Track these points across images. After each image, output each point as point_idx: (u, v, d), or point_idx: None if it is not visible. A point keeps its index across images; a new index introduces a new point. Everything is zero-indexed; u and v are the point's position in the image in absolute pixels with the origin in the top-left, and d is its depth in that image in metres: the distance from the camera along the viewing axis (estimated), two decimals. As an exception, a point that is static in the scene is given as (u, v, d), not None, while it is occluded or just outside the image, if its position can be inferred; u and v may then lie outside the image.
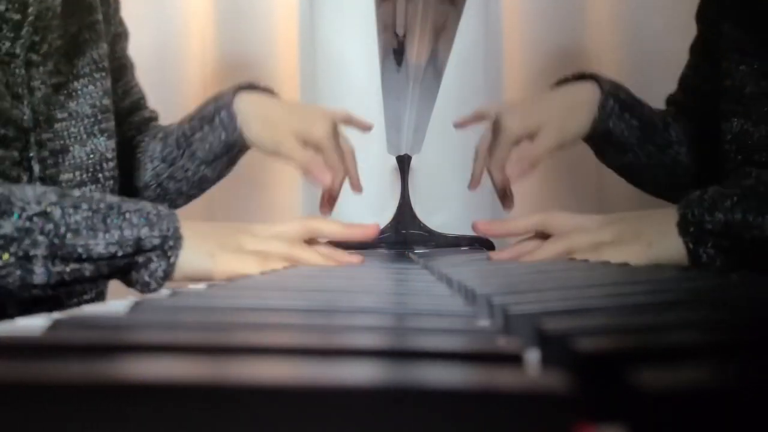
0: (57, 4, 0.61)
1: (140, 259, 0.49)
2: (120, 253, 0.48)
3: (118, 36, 0.74)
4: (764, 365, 0.15)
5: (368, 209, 1.26)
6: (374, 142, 1.22)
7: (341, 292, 0.36)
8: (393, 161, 1.14)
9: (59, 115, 0.61)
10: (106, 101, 0.66)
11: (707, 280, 0.31)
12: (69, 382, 0.12)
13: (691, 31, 0.78)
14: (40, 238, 0.45)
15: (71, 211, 0.47)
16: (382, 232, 1.14)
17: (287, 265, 0.54)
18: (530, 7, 1.14)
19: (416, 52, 0.63)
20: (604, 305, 0.24)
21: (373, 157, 1.26)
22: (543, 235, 0.60)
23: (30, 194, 0.46)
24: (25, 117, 0.56)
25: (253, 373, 0.13)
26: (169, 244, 0.49)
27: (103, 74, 0.66)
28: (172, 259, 0.49)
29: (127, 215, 0.49)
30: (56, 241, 0.46)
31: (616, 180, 0.84)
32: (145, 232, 0.48)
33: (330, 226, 0.62)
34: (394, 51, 0.65)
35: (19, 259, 0.45)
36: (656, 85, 0.88)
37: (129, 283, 0.52)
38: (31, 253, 0.45)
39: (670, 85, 0.83)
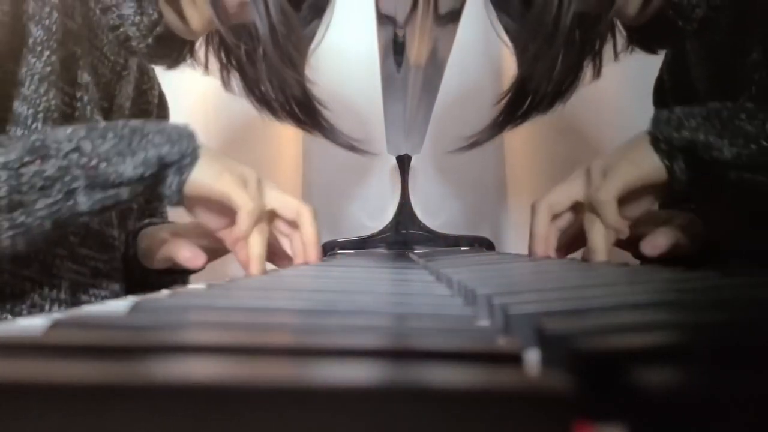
0: (130, 91, 0.72)
1: (164, 174, 0.54)
2: (147, 173, 0.53)
3: None
4: (764, 366, 0.15)
5: (368, 209, 1.26)
6: (374, 142, 1.22)
7: (341, 293, 0.36)
8: (393, 161, 1.14)
9: None
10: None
11: (708, 281, 0.31)
12: (69, 382, 0.12)
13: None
14: (78, 171, 0.51)
15: (99, 141, 0.52)
16: (382, 232, 1.14)
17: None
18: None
19: (416, 52, 0.63)
20: (604, 305, 0.24)
21: (373, 157, 1.26)
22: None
23: (62, 135, 0.52)
24: None
25: (254, 373, 0.13)
26: (185, 162, 0.54)
27: None
28: (184, 176, 0.54)
29: (150, 136, 0.53)
30: (91, 172, 0.51)
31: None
32: (166, 149, 0.53)
33: (310, 232, 0.61)
34: (394, 51, 0.65)
35: (65, 194, 0.50)
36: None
37: (158, 197, 0.57)
38: (73, 186, 0.51)
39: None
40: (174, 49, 0.71)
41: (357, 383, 0.13)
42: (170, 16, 0.66)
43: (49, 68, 0.57)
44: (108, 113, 0.70)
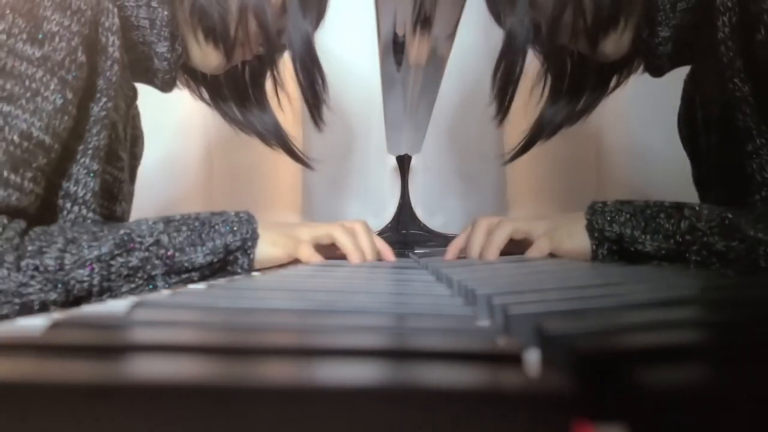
0: (128, 119, 0.80)
1: (230, 257, 0.63)
2: (215, 260, 0.62)
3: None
4: (763, 365, 0.15)
5: (368, 209, 1.26)
6: (374, 142, 1.22)
7: (341, 293, 0.36)
8: (393, 161, 1.14)
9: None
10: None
11: (707, 280, 0.31)
12: (69, 382, 0.12)
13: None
14: (157, 261, 0.59)
15: (175, 234, 0.61)
16: (382, 232, 1.14)
17: (328, 244, 0.68)
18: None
19: (416, 52, 0.63)
20: (604, 305, 0.24)
21: (373, 157, 1.26)
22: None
23: (144, 229, 0.60)
24: (117, 212, 0.76)
25: (254, 373, 0.13)
26: (248, 245, 0.64)
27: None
28: (251, 255, 0.64)
29: (216, 227, 0.63)
30: (168, 261, 0.60)
31: (616, 180, 0.84)
32: (230, 238, 0.63)
33: (365, 244, 0.70)
34: (394, 51, 0.65)
35: (145, 280, 0.59)
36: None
37: (234, 273, 0.66)
38: (153, 273, 0.59)
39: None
40: (177, 76, 0.79)
41: (357, 383, 0.13)
42: (209, 58, 0.76)
43: (104, 113, 0.65)
44: (117, 143, 0.75)
